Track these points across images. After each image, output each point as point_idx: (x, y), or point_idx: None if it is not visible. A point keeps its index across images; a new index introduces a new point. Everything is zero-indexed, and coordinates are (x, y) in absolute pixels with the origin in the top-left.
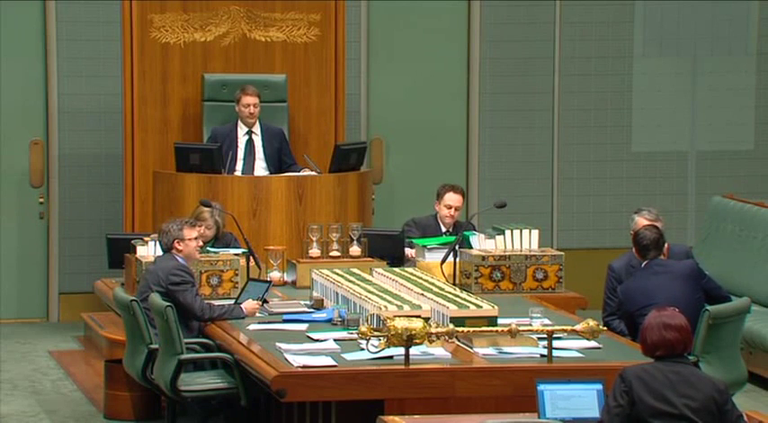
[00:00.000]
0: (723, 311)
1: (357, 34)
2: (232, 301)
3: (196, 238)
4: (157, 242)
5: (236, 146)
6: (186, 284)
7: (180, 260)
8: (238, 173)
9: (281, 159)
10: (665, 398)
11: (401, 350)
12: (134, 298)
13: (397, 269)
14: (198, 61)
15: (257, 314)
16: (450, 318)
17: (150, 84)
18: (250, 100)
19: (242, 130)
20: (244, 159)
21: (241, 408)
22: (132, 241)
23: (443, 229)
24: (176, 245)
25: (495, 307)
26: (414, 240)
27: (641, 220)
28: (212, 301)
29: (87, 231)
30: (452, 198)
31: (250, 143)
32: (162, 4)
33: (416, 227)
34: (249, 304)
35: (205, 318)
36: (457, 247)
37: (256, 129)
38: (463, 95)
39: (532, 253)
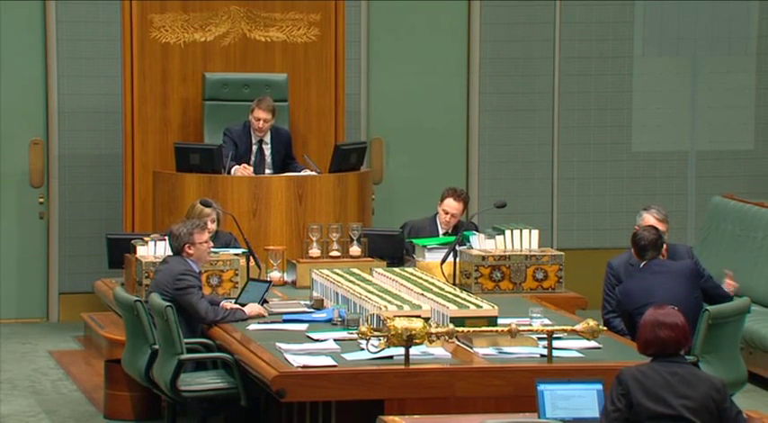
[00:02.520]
0: (723, 311)
1: (357, 34)
2: (234, 302)
3: (206, 241)
4: (167, 244)
5: (250, 151)
6: (191, 288)
7: (190, 263)
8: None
9: (285, 161)
10: (663, 399)
11: (401, 350)
12: (138, 298)
13: (396, 269)
14: (198, 61)
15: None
16: (450, 318)
17: (150, 84)
18: (261, 115)
19: (254, 137)
20: (255, 167)
21: (241, 408)
22: (132, 241)
23: (441, 231)
24: (187, 249)
25: (495, 307)
26: (414, 240)
27: (648, 218)
28: (226, 302)
29: (87, 231)
30: (451, 205)
31: (260, 151)
32: (162, 4)
33: (411, 230)
34: (253, 309)
35: (208, 320)
36: (457, 247)
37: (266, 138)
38: (463, 95)
39: (532, 253)
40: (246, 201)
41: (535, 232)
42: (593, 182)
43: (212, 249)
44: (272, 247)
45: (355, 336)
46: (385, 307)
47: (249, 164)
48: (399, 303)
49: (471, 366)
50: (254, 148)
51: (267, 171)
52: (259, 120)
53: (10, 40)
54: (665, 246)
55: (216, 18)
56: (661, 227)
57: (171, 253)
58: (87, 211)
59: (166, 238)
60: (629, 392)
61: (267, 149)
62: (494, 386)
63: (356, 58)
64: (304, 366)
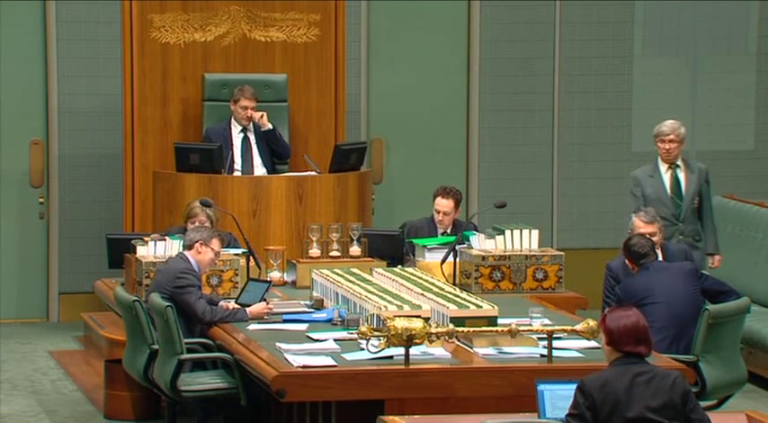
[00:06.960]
0: (723, 311)
1: (357, 34)
2: (234, 302)
3: (217, 253)
4: (167, 244)
5: (232, 144)
6: (190, 287)
7: (191, 262)
8: (238, 172)
9: (272, 151)
10: (626, 404)
11: (401, 350)
12: (136, 298)
13: (396, 269)
14: (198, 61)
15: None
16: (450, 318)
17: (150, 84)
18: (248, 103)
19: (236, 128)
20: (242, 157)
21: (241, 408)
22: (132, 241)
23: (440, 231)
24: (198, 246)
25: (495, 307)
26: (414, 240)
27: (638, 222)
28: (225, 302)
29: (87, 231)
30: (440, 203)
31: (246, 141)
32: (162, 4)
33: (410, 230)
34: (256, 308)
35: (206, 320)
36: (457, 247)
37: (249, 126)
38: (463, 95)
39: (532, 253)
40: (246, 201)
41: (535, 232)
42: (593, 182)
43: None
44: (272, 247)
45: (355, 336)
46: (385, 307)
47: (234, 158)
48: (399, 303)
49: (471, 366)
50: (240, 137)
51: (256, 160)
52: (246, 108)
53: (10, 40)
54: (659, 246)
55: (216, 18)
56: (651, 229)
57: (175, 249)
58: (87, 211)
59: (167, 237)
60: (593, 402)
61: (252, 138)
62: (494, 386)
63: (356, 58)
64: (304, 366)
